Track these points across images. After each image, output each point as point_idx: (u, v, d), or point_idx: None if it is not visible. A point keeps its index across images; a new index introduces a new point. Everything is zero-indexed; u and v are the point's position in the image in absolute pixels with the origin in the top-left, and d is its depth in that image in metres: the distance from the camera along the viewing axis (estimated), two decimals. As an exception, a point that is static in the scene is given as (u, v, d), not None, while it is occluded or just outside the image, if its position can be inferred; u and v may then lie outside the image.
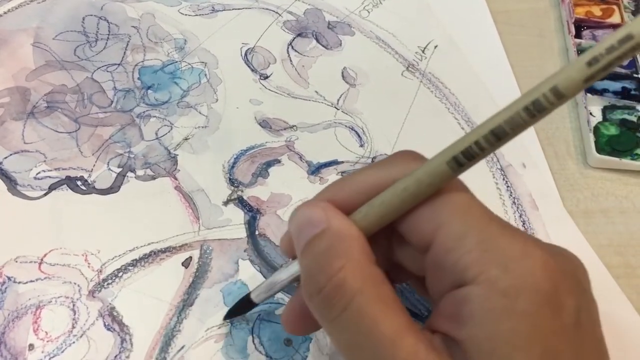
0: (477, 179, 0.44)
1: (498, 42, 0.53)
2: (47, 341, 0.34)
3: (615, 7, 0.55)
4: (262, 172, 0.43)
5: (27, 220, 0.38)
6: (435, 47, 0.52)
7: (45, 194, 0.39)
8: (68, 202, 0.39)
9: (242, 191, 0.42)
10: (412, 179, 0.26)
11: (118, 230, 0.39)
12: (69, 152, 0.41)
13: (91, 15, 0.48)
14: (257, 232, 0.40)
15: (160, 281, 0.37)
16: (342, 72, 0.49)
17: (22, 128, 0.41)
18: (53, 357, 0.33)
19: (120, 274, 0.37)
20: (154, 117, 0.44)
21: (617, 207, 0.44)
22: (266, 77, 0.48)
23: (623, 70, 0.50)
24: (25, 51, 0.45)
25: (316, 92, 0.48)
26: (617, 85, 0.49)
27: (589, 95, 0.48)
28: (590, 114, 0.47)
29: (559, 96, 0.22)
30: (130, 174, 0.41)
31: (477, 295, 0.23)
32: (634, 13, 0.55)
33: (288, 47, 0.50)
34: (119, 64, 0.46)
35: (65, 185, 0.40)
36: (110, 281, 0.36)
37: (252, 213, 0.41)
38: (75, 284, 0.36)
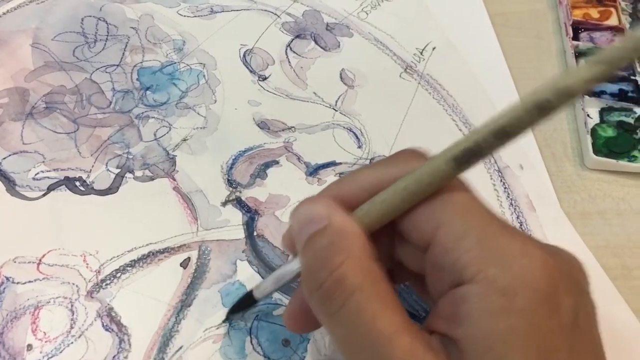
0: (475, 180, 0.44)
1: (496, 44, 0.53)
2: (46, 341, 0.34)
3: (612, 9, 0.55)
4: (261, 173, 0.43)
5: (25, 221, 0.38)
6: (434, 48, 0.52)
7: (44, 195, 0.39)
8: (67, 203, 0.39)
9: (240, 192, 0.42)
10: (412, 177, 0.26)
11: (116, 231, 0.39)
12: (67, 152, 0.41)
13: (90, 16, 0.48)
14: (255, 233, 0.40)
15: (158, 282, 0.37)
16: (341, 74, 0.50)
17: (21, 129, 0.41)
18: (51, 357, 0.33)
19: (119, 274, 0.37)
20: (153, 118, 0.44)
21: (614, 209, 0.44)
22: (265, 79, 0.48)
23: (620, 72, 0.50)
24: (24, 52, 0.45)
25: (314, 93, 0.48)
26: (614, 87, 0.49)
27: (586, 97, 0.48)
28: (588, 115, 0.48)
29: (563, 97, 0.22)
30: (128, 174, 0.41)
31: (475, 294, 0.23)
32: (632, 15, 0.55)
33: (286, 49, 0.50)
34: (117, 65, 0.46)
35: (63, 186, 0.40)
36: (108, 282, 0.36)
37: (251, 214, 0.41)
38: (73, 284, 0.36)
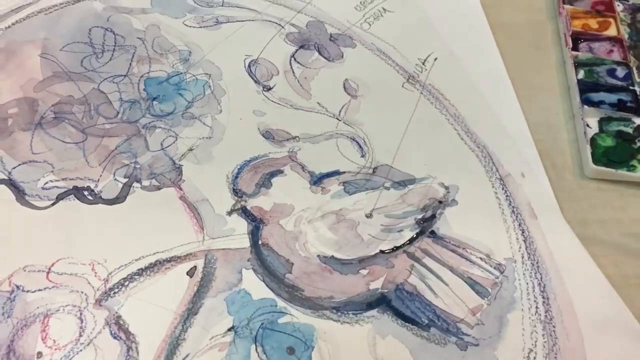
0: (477, 188, 0.45)
1: (497, 54, 0.54)
2: (55, 349, 0.34)
3: (611, 19, 0.56)
4: (265, 182, 0.44)
5: (35, 230, 0.38)
6: (435, 59, 0.53)
7: (53, 204, 0.40)
8: (75, 212, 0.40)
9: (245, 201, 0.42)
10: None
11: (124, 239, 0.39)
12: (76, 162, 0.42)
13: (97, 26, 0.49)
14: (260, 242, 0.41)
15: (165, 290, 0.38)
16: (344, 84, 0.50)
17: (30, 138, 0.42)
18: (61, 364, 0.34)
19: (127, 282, 0.37)
20: (159, 128, 0.45)
21: (613, 218, 0.45)
22: (269, 89, 0.49)
23: (619, 83, 0.51)
24: (33, 62, 0.45)
25: (318, 103, 0.49)
26: (613, 98, 0.50)
27: (585, 107, 0.49)
28: (587, 125, 0.48)
29: None
30: (136, 184, 0.42)
31: None
32: (630, 26, 0.56)
33: (291, 59, 0.51)
34: (125, 75, 0.47)
35: (72, 195, 0.40)
36: (116, 290, 0.37)
37: (256, 223, 0.42)
38: (82, 292, 0.37)
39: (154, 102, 0.46)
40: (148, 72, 0.48)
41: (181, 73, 0.48)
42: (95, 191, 0.41)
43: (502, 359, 0.38)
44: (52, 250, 0.38)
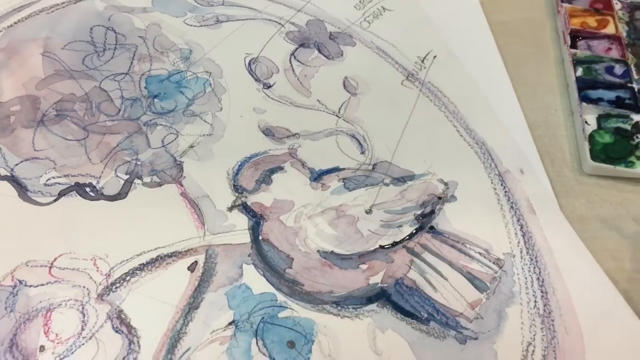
0: (476, 184, 0.46)
1: (496, 52, 0.54)
2: (58, 343, 0.35)
3: (609, 17, 0.56)
4: (266, 178, 0.44)
5: (37, 226, 0.39)
6: (435, 57, 0.53)
7: (55, 200, 0.40)
8: (77, 208, 0.40)
9: (246, 197, 0.43)
10: None
11: (126, 235, 0.40)
12: (77, 159, 0.42)
13: (99, 25, 0.49)
14: (260, 237, 0.41)
15: (166, 285, 0.38)
16: (344, 82, 0.51)
17: (33, 135, 0.42)
18: (63, 358, 0.34)
19: (128, 277, 0.38)
20: (160, 125, 0.45)
21: (612, 214, 0.45)
22: (269, 87, 0.49)
23: (617, 80, 0.51)
24: (35, 60, 0.46)
25: (318, 101, 0.49)
26: (611, 95, 0.50)
27: (584, 104, 0.49)
28: (586, 122, 0.49)
29: None
30: (137, 180, 0.42)
31: None
32: (628, 24, 0.56)
33: (291, 57, 0.52)
34: (126, 74, 0.47)
35: (74, 192, 0.41)
36: (118, 285, 0.37)
37: (256, 219, 0.42)
38: (84, 287, 0.37)
39: (155, 100, 0.46)
40: (149, 70, 0.48)
41: (182, 71, 0.49)
42: (97, 187, 0.41)
43: (501, 352, 0.38)
44: (54, 245, 0.38)
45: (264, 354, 0.37)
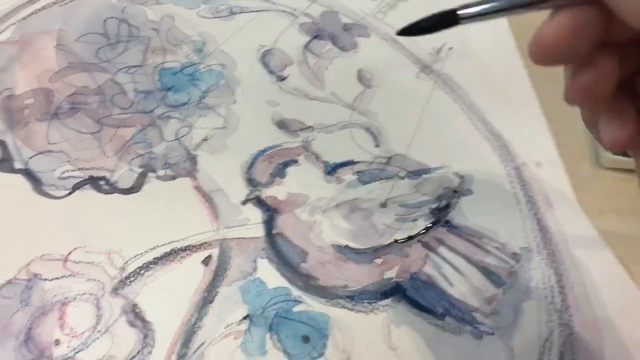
0: (492, 177, 0.45)
1: (512, 43, 0.54)
2: (73, 337, 0.35)
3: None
4: (280, 172, 0.44)
5: (51, 219, 0.39)
6: (450, 48, 0.53)
7: (69, 194, 0.40)
8: (91, 202, 0.40)
9: (260, 191, 0.43)
10: None
11: (140, 229, 0.39)
12: (91, 152, 0.42)
13: (112, 17, 0.49)
14: (274, 231, 0.41)
15: (180, 279, 0.38)
16: (358, 74, 0.50)
17: (47, 129, 0.42)
18: (78, 352, 0.34)
19: (142, 271, 0.38)
20: (174, 118, 0.45)
21: (629, 207, 0.45)
22: (283, 79, 0.49)
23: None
24: (49, 53, 0.46)
25: (332, 93, 0.49)
26: (631, 86, 0.49)
27: (603, 96, 0.48)
28: (604, 114, 0.48)
29: None
30: (151, 173, 0.42)
31: None
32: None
33: (304, 49, 0.51)
34: (139, 66, 0.47)
35: (88, 185, 0.41)
36: (132, 279, 0.37)
37: (270, 212, 0.42)
38: (98, 281, 0.37)
39: (169, 93, 0.46)
40: (162, 63, 0.48)
41: (195, 63, 0.48)
42: (111, 181, 0.41)
43: (518, 348, 0.38)
44: (69, 239, 0.38)
45: (278, 349, 0.36)
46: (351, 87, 0.49)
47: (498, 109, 0.49)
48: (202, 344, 0.36)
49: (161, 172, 0.42)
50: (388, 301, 0.39)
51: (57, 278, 0.37)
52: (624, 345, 0.38)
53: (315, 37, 0.52)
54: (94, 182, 0.41)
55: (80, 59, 0.46)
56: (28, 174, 0.40)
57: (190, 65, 0.48)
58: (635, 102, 0.28)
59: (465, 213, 0.43)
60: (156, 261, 0.38)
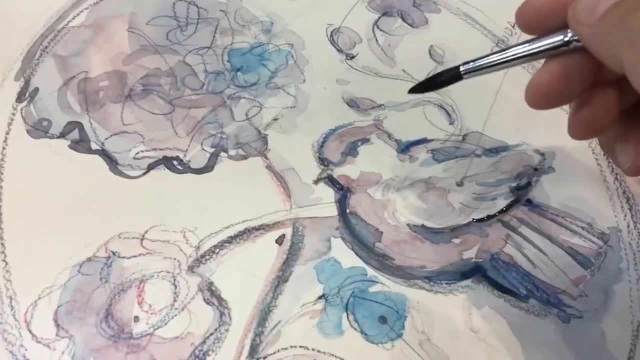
0: (576, 154, 0.43)
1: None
2: (151, 314, 0.35)
3: None
4: (352, 151, 0.43)
5: (128, 198, 0.39)
6: (526, 21, 0.50)
7: (144, 173, 0.40)
8: (165, 181, 0.40)
9: (331, 170, 0.42)
10: None
11: (213, 208, 0.39)
12: (164, 133, 0.42)
13: (181, 0, 0.49)
14: (348, 211, 0.40)
15: (255, 258, 0.38)
16: (429, 50, 0.49)
17: (121, 110, 0.43)
18: (157, 328, 0.35)
19: (217, 250, 0.38)
20: (244, 98, 0.44)
21: None
22: (352, 57, 0.48)
23: None
24: (121, 36, 0.46)
25: (403, 70, 0.47)
26: None
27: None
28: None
29: None
30: (223, 153, 0.42)
31: None
32: None
33: (373, 27, 0.50)
34: (209, 47, 0.47)
35: (162, 165, 0.41)
36: (207, 257, 0.37)
37: (343, 191, 0.41)
38: (175, 259, 0.37)
39: (238, 73, 0.46)
40: (231, 44, 0.47)
41: (264, 44, 0.48)
42: (184, 161, 0.41)
43: (609, 332, 0.36)
44: (145, 218, 0.38)
45: (355, 329, 0.36)
46: (423, 64, 0.48)
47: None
48: (278, 322, 0.35)
49: (233, 152, 0.42)
50: (468, 282, 0.38)
51: (134, 256, 0.37)
52: None
53: (384, 14, 0.51)
54: (168, 162, 0.41)
55: (151, 42, 0.46)
56: (104, 154, 0.41)
57: (258, 46, 0.48)
58: None
59: (547, 191, 0.41)
60: (230, 240, 0.38)
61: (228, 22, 0.49)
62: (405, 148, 0.43)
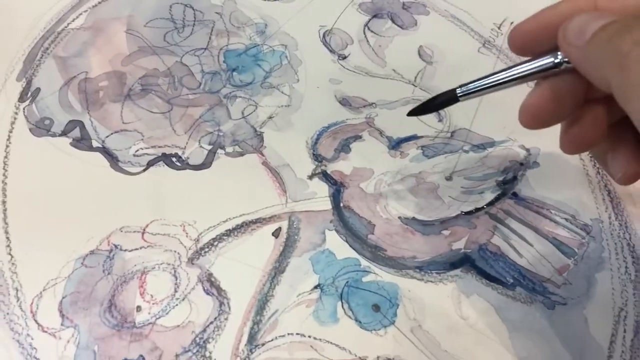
0: (559, 149, 0.44)
1: (576, 16, 0.53)
2: (153, 303, 0.36)
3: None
4: (344, 147, 0.44)
5: (129, 194, 0.40)
6: (511, 23, 0.52)
7: (144, 170, 0.42)
8: (165, 177, 0.41)
9: (325, 166, 0.43)
10: None
11: (212, 202, 0.41)
12: (163, 131, 0.43)
13: (178, 3, 0.50)
14: (341, 204, 0.41)
15: (252, 250, 0.39)
16: (419, 51, 0.50)
17: (121, 109, 0.44)
18: (159, 318, 0.36)
19: (216, 242, 0.39)
20: (240, 97, 0.46)
21: None
22: (344, 58, 0.49)
23: None
24: (120, 38, 0.48)
25: (393, 70, 0.49)
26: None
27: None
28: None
29: None
30: (220, 150, 0.43)
31: None
32: None
33: (364, 28, 0.51)
34: (205, 49, 0.48)
35: (161, 162, 0.42)
36: (207, 249, 0.39)
37: (336, 186, 0.42)
38: (175, 252, 0.38)
39: (234, 73, 0.47)
40: (227, 45, 0.49)
41: (258, 45, 0.49)
42: (183, 157, 0.42)
43: (592, 317, 0.37)
44: (146, 212, 0.40)
45: (349, 317, 0.37)
46: (412, 63, 0.49)
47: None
48: (276, 311, 0.37)
49: (230, 149, 0.43)
50: (457, 272, 0.39)
51: (136, 249, 0.38)
52: None
53: (375, 16, 0.52)
54: (167, 158, 0.42)
55: (149, 43, 0.48)
56: (105, 151, 0.42)
57: (253, 47, 0.49)
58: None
59: (532, 185, 0.43)
60: (228, 233, 0.39)
61: (223, 24, 0.50)
62: (396, 144, 0.45)
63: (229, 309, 0.37)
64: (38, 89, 0.44)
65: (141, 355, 0.34)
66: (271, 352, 0.35)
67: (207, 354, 0.35)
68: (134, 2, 0.50)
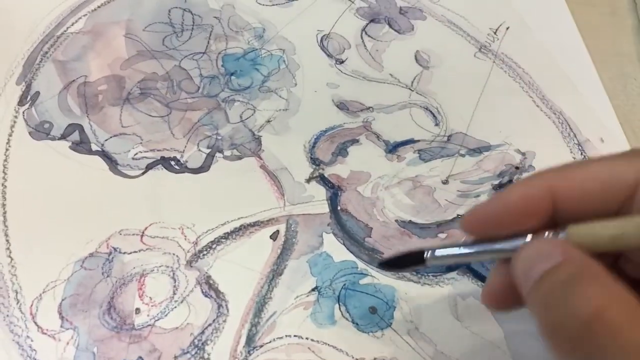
0: (555, 153, 0.45)
1: (570, 21, 0.53)
2: (152, 306, 0.37)
3: (692, -18, 0.54)
4: (342, 151, 0.45)
5: (128, 197, 0.41)
6: (507, 28, 0.53)
7: (143, 173, 0.42)
8: (164, 181, 0.42)
9: (323, 169, 0.44)
10: None
11: (210, 206, 0.41)
12: (162, 134, 0.44)
13: (176, 7, 0.51)
14: (339, 208, 0.42)
15: (250, 253, 0.39)
16: (415, 55, 0.51)
17: (119, 113, 0.44)
18: (158, 320, 0.36)
19: (214, 245, 0.39)
20: (238, 101, 0.46)
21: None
22: (342, 62, 0.50)
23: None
24: (119, 42, 0.48)
25: (390, 75, 0.49)
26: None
27: (667, 70, 0.48)
28: (669, 89, 0.47)
29: None
30: (218, 154, 0.43)
31: None
32: None
33: (362, 33, 0.52)
34: (203, 53, 0.49)
35: (160, 165, 0.42)
36: (205, 252, 0.39)
37: (334, 190, 0.43)
38: (174, 254, 0.39)
39: (232, 77, 0.48)
40: (225, 49, 0.49)
41: (256, 49, 0.50)
42: (181, 161, 0.43)
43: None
44: (144, 215, 0.40)
45: (347, 319, 0.37)
46: (409, 68, 0.50)
47: (558, 86, 0.49)
48: (274, 313, 0.37)
49: (228, 153, 0.44)
50: (453, 274, 0.40)
51: (135, 252, 0.38)
52: None
53: (372, 21, 0.53)
54: (166, 162, 0.43)
55: (148, 47, 0.48)
56: (104, 155, 0.42)
57: (251, 51, 0.49)
58: None
59: (528, 189, 0.43)
60: (227, 236, 0.40)
61: (222, 29, 0.50)
62: (393, 148, 0.45)
63: (227, 311, 0.37)
64: (37, 93, 0.44)
65: (140, 357, 0.35)
66: (269, 354, 0.36)
67: (206, 356, 0.35)
68: (133, 7, 0.50)
